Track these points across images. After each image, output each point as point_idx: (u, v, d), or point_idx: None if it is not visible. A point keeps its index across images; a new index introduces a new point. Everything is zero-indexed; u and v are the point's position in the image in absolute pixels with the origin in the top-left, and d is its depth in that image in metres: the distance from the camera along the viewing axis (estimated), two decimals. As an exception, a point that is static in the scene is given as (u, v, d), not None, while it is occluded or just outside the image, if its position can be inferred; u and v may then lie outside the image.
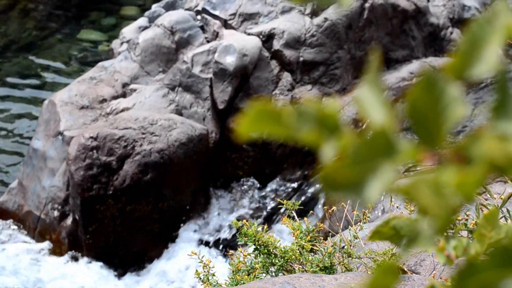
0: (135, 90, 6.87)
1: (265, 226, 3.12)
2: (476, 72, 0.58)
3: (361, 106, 0.58)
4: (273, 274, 3.00)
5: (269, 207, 6.63)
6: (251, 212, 6.63)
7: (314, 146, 0.56)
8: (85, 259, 6.47)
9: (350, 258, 2.99)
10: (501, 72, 0.58)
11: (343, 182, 0.54)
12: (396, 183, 0.56)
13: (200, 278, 3.06)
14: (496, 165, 0.54)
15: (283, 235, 5.98)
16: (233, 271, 3.02)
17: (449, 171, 0.55)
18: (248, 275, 2.97)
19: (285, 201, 3.22)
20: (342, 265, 2.97)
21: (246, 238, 3.01)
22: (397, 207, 3.22)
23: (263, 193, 6.71)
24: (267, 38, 6.79)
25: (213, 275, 3.06)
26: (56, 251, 6.61)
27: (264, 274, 2.99)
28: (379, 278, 0.61)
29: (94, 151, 6.25)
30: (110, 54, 7.55)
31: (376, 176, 0.55)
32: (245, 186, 6.73)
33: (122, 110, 6.70)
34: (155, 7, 7.39)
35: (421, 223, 0.63)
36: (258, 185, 6.73)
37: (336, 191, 0.55)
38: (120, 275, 6.44)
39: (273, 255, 2.99)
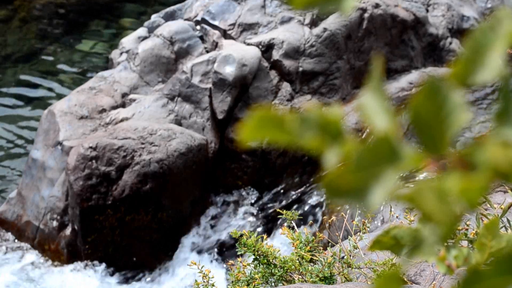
0: (134, 100, 6.87)
1: (265, 236, 3.11)
2: (479, 79, 0.58)
3: (364, 113, 0.58)
4: (273, 284, 2.99)
5: (268, 217, 6.61)
6: (250, 222, 6.62)
7: (317, 152, 0.56)
8: (84, 269, 6.45)
9: (349, 268, 2.98)
10: (505, 78, 0.58)
11: (346, 188, 0.54)
12: (399, 189, 0.55)
13: (200, 288, 3.05)
14: (500, 172, 0.54)
15: (283, 245, 5.97)
16: (232, 281, 3.01)
17: (453, 177, 0.54)
18: (248, 285, 2.96)
19: (284, 211, 3.22)
20: (342, 275, 2.97)
21: (246, 248, 3.01)
22: (396, 217, 3.21)
23: (262, 203, 6.70)
24: (267, 48, 6.79)
25: (213, 285, 3.05)
26: (55, 261, 6.60)
27: (263, 285, 2.98)
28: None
29: (93, 161, 6.25)
30: (109, 64, 7.55)
31: (379, 183, 0.54)
32: (245, 196, 6.72)
33: (122, 120, 6.69)
34: (154, 17, 7.39)
35: (422, 232, 0.62)
36: (258, 195, 6.73)
37: (339, 198, 0.54)
38: (119, 285, 6.43)
39: (272, 265, 2.98)
